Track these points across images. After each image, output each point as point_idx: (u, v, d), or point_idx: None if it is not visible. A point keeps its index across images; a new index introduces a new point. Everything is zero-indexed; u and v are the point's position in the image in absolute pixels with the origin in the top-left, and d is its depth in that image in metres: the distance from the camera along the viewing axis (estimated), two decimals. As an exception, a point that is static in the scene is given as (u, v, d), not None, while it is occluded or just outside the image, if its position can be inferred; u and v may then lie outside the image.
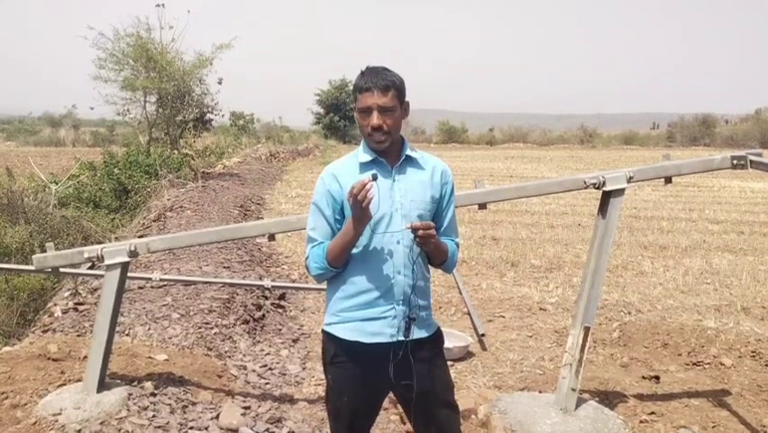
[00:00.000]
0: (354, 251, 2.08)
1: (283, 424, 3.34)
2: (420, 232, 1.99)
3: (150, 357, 3.79)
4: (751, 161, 3.22)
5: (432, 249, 2.09)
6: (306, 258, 2.16)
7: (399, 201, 2.10)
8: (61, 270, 3.82)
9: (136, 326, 4.48)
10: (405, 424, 3.37)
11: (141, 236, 6.82)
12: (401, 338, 2.08)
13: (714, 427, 3.47)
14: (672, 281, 6.70)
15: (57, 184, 10.70)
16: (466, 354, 4.57)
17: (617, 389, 3.91)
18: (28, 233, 7.37)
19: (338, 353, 2.15)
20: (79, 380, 3.33)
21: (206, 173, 14.56)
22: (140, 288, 5.35)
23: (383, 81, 2.03)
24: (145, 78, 14.75)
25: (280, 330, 5.09)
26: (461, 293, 5.96)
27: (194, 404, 3.36)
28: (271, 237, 3.33)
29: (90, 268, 4.46)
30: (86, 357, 3.53)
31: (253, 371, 4.10)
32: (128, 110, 15.38)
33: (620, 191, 3.22)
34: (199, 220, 8.74)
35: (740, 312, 5.60)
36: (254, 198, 12.35)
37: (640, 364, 4.42)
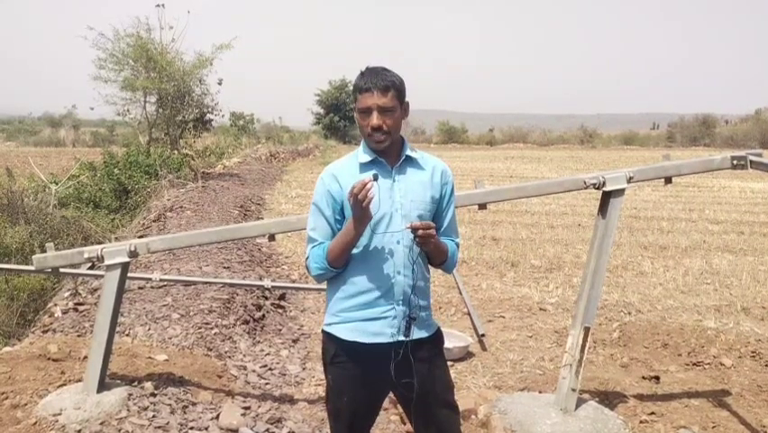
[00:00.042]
0: (354, 251, 2.08)
1: (283, 424, 3.34)
2: (420, 232, 1.99)
3: (150, 357, 3.79)
4: (751, 162, 3.22)
5: (432, 249, 2.09)
6: (307, 258, 2.16)
7: (399, 201, 2.10)
8: (61, 270, 3.81)
9: (136, 326, 4.48)
10: (405, 424, 3.37)
11: (141, 237, 6.82)
12: (401, 338, 2.08)
13: (714, 427, 3.47)
14: (672, 282, 6.70)
15: (57, 184, 10.70)
16: (466, 355, 4.57)
17: (617, 389, 3.91)
18: (28, 233, 7.37)
19: (338, 353, 2.15)
20: (79, 380, 3.33)
21: (206, 173, 14.56)
22: (140, 288, 5.35)
23: (383, 81, 2.03)
24: (145, 79, 14.75)
25: (280, 330, 5.09)
26: (461, 293, 5.96)
27: (194, 404, 3.36)
28: (271, 237, 3.34)
29: (90, 268, 4.46)
30: (86, 357, 3.54)
31: (253, 371, 4.10)
32: (128, 110, 15.41)
33: (620, 191, 3.22)
34: (199, 220, 8.74)
35: (740, 312, 5.60)
36: (254, 199, 12.35)
37: (640, 365, 4.42)
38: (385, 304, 2.09)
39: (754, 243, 8.88)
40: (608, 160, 25.38)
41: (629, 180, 3.21)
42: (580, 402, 3.28)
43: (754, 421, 3.56)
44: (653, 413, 3.57)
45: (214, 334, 4.52)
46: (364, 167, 2.11)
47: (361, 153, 2.14)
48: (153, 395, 3.30)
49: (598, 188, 3.21)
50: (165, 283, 5.38)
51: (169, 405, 3.25)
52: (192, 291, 5.30)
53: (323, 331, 2.21)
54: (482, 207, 3.30)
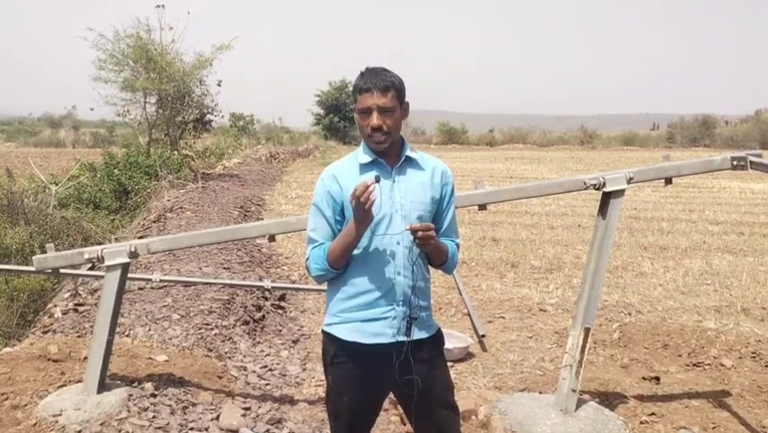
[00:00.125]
0: (354, 252, 2.08)
1: (283, 425, 3.34)
2: (420, 233, 1.99)
3: (150, 358, 3.79)
4: (751, 162, 3.22)
5: (432, 250, 2.09)
6: (307, 259, 2.16)
7: (399, 202, 2.10)
8: (61, 271, 3.81)
9: (136, 327, 4.48)
10: (405, 425, 3.37)
11: (141, 237, 6.82)
12: (401, 339, 2.08)
13: (714, 428, 3.47)
14: (672, 282, 6.70)
15: (57, 185, 10.71)
16: (466, 355, 4.57)
17: (618, 390, 3.91)
18: (28, 234, 7.37)
19: (338, 353, 2.15)
20: (80, 381, 3.33)
21: (206, 174, 14.57)
22: (140, 289, 5.35)
23: (383, 82, 2.03)
24: (145, 79, 14.75)
25: (280, 331, 5.09)
26: (461, 294, 5.96)
27: (194, 405, 3.36)
28: (271, 238, 3.34)
29: (90, 269, 4.45)
30: (86, 358, 3.54)
31: (253, 372, 4.10)
32: (128, 111, 15.40)
33: (620, 192, 3.23)
34: (199, 221, 8.74)
35: (740, 313, 5.60)
36: (254, 199, 12.35)
37: (640, 365, 4.42)
38: (385, 305, 2.09)
39: (754, 243, 8.88)
40: (607, 160, 25.38)
41: (629, 181, 3.21)
42: (580, 403, 3.28)
43: (754, 422, 3.57)
44: (653, 414, 3.57)
45: (215, 334, 4.52)
46: (364, 167, 2.11)
47: (361, 154, 2.14)
48: (153, 396, 3.30)
49: (598, 189, 3.21)
50: (165, 284, 5.38)
51: (170, 406, 3.25)
52: (192, 292, 5.30)
53: (323, 331, 2.21)
54: (482, 207, 3.30)
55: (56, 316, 4.92)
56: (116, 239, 7.46)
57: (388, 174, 2.12)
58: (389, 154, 2.12)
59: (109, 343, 3.23)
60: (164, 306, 4.91)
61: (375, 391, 2.21)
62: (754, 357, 4.50)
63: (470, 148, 38.79)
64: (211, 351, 4.26)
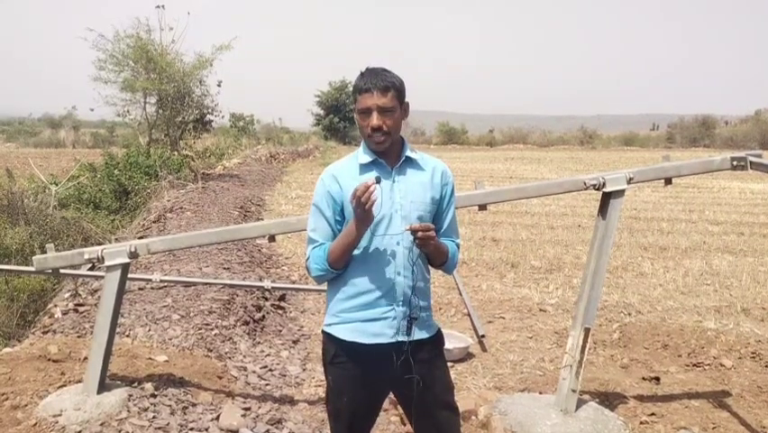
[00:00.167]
0: (354, 252, 2.08)
1: (283, 425, 3.34)
2: (419, 234, 1.99)
3: (150, 358, 3.79)
4: (751, 162, 3.22)
5: (432, 250, 2.09)
6: (307, 259, 2.16)
7: (399, 202, 2.10)
8: (62, 271, 3.81)
9: (136, 327, 4.48)
10: (405, 425, 3.37)
11: (141, 237, 6.82)
12: (401, 339, 2.09)
13: (714, 428, 3.47)
14: (672, 283, 6.70)
15: (57, 185, 10.71)
16: (466, 356, 4.57)
17: (618, 390, 3.91)
18: (28, 234, 7.37)
19: (338, 353, 2.15)
20: (80, 381, 3.33)
21: (206, 174, 14.57)
22: (140, 289, 5.35)
23: (383, 82, 2.03)
24: (145, 80, 14.75)
25: (280, 331, 5.09)
26: (461, 294, 5.96)
27: (194, 405, 3.36)
28: (271, 238, 3.34)
29: (90, 269, 4.45)
30: (86, 358, 3.54)
31: (253, 372, 4.10)
32: (128, 111, 15.41)
33: (620, 192, 3.23)
34: (199, 221, 8.74)
35: (740, 313, 5.60)
36: (254, 200, 12.35)
37: (640, 366, 4.42)
38: (385, 305, 2.09)
39: (753, 244, 8.88)
40: (607, 161, 25.39)
41: (629, 181, 3.21)
42: (580, 403, 3.28)
43: (754, 422, 3.57)
44: (653, 414, 3.57)
45: (215, 335, 4.52)
46: (364, 168, 2.11)
47: (361, 154, 2.14)
48: (153, 396, 3.30)
49: (598, 189, 3.21)
50: (165, 284, 5.38)
51: (170, 406, 3.25)
52: (192, 292, 5.30)
53: (323, 332, 2.21)
54: (482, 207, 3.30)
55: (56, 316, 4.92)
56: (116, 239, 7.46)
57: (388, 174, 2.12)
58: (389, 154, 2.13)
59: (109, 343, 3.23)
60: (164, 306, 4.91)
61: (375, 391, 2.21)
62: (753, 357, 4.50)
63: (470, 148, 38.79)
64: (211, 351, 4.26)
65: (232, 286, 5.47)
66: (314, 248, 2.13)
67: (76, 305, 5.12)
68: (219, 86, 16.53)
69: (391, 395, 2.31)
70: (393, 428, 3.44)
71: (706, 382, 4.13)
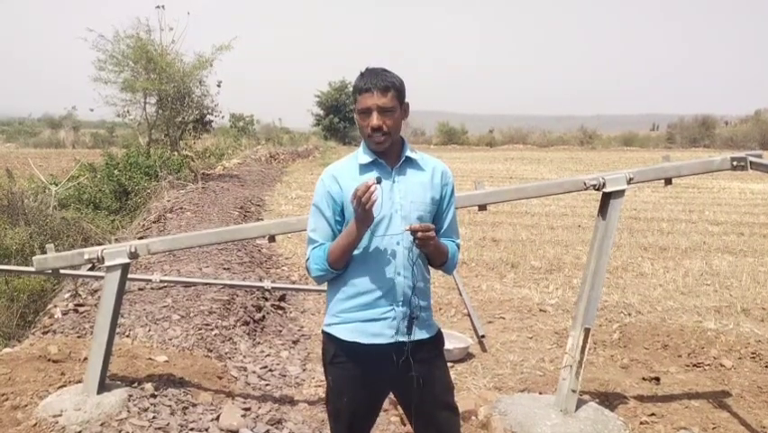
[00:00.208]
0: (354, 252, 2.08)
1: (283, 425, 3.34)
2: (419, 234, 1.99)
3: (150, 359, 3.79)
4: (751, 163, 3.22)
5: (431, 250, 2.09)
6: (307, 259, 2.16)
7: (399, 203, 2.10)
8: (62, 271, 3.82)
9: (136, 327, 4.48)
10: (405, 426, 3.37)
11: (141, 238, 6.82)
12: (400, 339, 2.09)
13: (714, 428, 3.47)
14: (672, 283, 6.70)
15: (57, 185, 10.71)
16: (466, 356, 4.57)
17: (618, 390, 3.91)
18: (28, 234, 7.38)
19: (338, 353, 2.15)
20: (80, 381, 3.33)
21: (206, 175, 14.56)
22: (140, 289, 5.35)
23: (383, 82, 2.04)
24: (145, 80, 14.75)
25: (280, 331, 5.09)
26: (461, 294, 5.96)
27: (194, 405, 3.36)
28: (271, 239, 3.34)
29: (90, 269, 4.45)
30: (86, 359, 3.54)
31: (253, 372, 4.10)
32: (128, 111, 15.40)
33: (620, 193, 3.23)
34: (199, 222, 8.75)
35: (740, 313, 5.60)
36: (254, 200, 12.35)
37: (640, 366, 4.42)
38: (385, 305, 2.09)
39: (753, 244, 8.88)
40: (607, 161, 25.38)
41: (629, 182, 3.21)
42: (580, 403, 3.28)
43: (754, 422, 3.57)
44: (653, 414, 3.57)
45: (215, 335, 4.52)
46: (364, 168, 2.11)
47: (361, 154, 2.14)
48: (153, 396, 3.30)
49: (598, 190, 3.21)
50: (165, 284, 5.38)
51: (170, 406, 3.25)
52: (192, 293, 5.30)
53: (323, 332, 2.21)
54: (482, 208, 3.30)
55: (56, 316, 4.92)
56: (116, 240, 7.47)
57: (388, 174, 2.12)
58: (389, 155, 2.13)
59: (109, 343, 3.23)
60: (164, 306, 4.91)
61: (375, 391, 2.21)
62: (753, 358, 4.50)
63: (470, 148, 38.78)
64: (211, 351, 4.26)
65: (232, 286, 5.47)
66: (314, 248, 2.13)
67: (76, 305, 5.12)
68: (219, 86, 16.55)
69: (391, 395, 2.31)
70: (393, 429, 3.44)
71: (706, 382, 4.13)
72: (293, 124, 45.17)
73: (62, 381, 3.42)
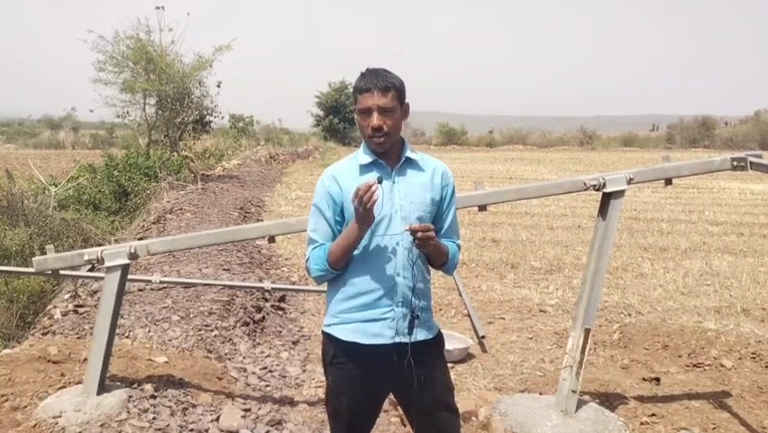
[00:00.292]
0: (354, 253, 2.08)
1: (283, 426, 3.34)
2: (419, 234, 1.99)
3: (150, 359, 3.79)
4: (751, 163, 3.22)
5: (431, 251, 2.09)
6: (307, 260, 2.16)
7: (399, 203, 2.10)
8: (61, 272, 3.81)
9: (136, 328, 4.47)
10: (405, 426, 3.36)
11: (140, 239, 6.82)
12: (400, 339, 2.08)
13: (714, 428, 3.47)
14: (672, 283, 6.70)
15: (56, 186, 10.71)
16: (466, 356, 4.57)
17: (618, 391, 3.91)
18: (28, 235, 7.37)
19: (338, 354, 2.15)
20: (79, 382, 3.33)
21: (206, 175, 14.57)
22: (140, 290, 5.35)
23: (383, 82, 2.03)
24: (145, 81, 14.76)
25: (280, 332, 5.08)
26: (461, 295, 5.95)
27: (194, 406, 3.35)
28: (271, 239, 3.34)
29: (90, 270, 4.45)
30: (86, 359, 3.53)
31: (253, 373, 4.10)
32: (127, 112, 15.41)
33: (620, 193, 3.23)
34: (199, 222, 8.74)
35: (740, 314, 5.60)
36: (254, 201, 12.35)
37: (640, 366, 4.42)
38: (385, 305, 2.09)
39: (753, 244, 8.88)
40: (607, 161, 25.38)
41: (629, 182, 3.21)
42: (580, 404, 3.27)
43: (754, 423, 3.56)
44: (653, 415, 3.57)
45: (214, 336, 4.51)
46: (364, 168, 2.11)
47: (361, 155, 2.14)
48: (153, 397, 3.30)
49: (598, 190, 3.21)
50: (165, 285, 5.38)
51: (169, 407, 3.25)
52: (192, 293, 5.30)
53: (323, 332, 2.21)
54: (482, 208, 3.30)
55: (56, 317, 4.92)
56: (116, 240, 7.46)
57: (388, 175, 2.11)
58: (389, 155, 2.12)
59: (109, 344, 3.23)
60: (164, 307, 4.91)
61: (375, 391, 2.21)
62: (754, 358, 4.49)
63: (470, 149, 38.78)
64: (211, 352, 4.26)
65: (231, 287, 5.46)
66: (314, 249, 2.13)
67: (75, 306, 5.11)
68: (219, 87, 16.56)
69: (391, 396, 2.31)
70: (393, 429, 3.44)
71: (706, 382, 4.13)
72: (293, 124, 45.20)
73: (62, 382, 3.42)
